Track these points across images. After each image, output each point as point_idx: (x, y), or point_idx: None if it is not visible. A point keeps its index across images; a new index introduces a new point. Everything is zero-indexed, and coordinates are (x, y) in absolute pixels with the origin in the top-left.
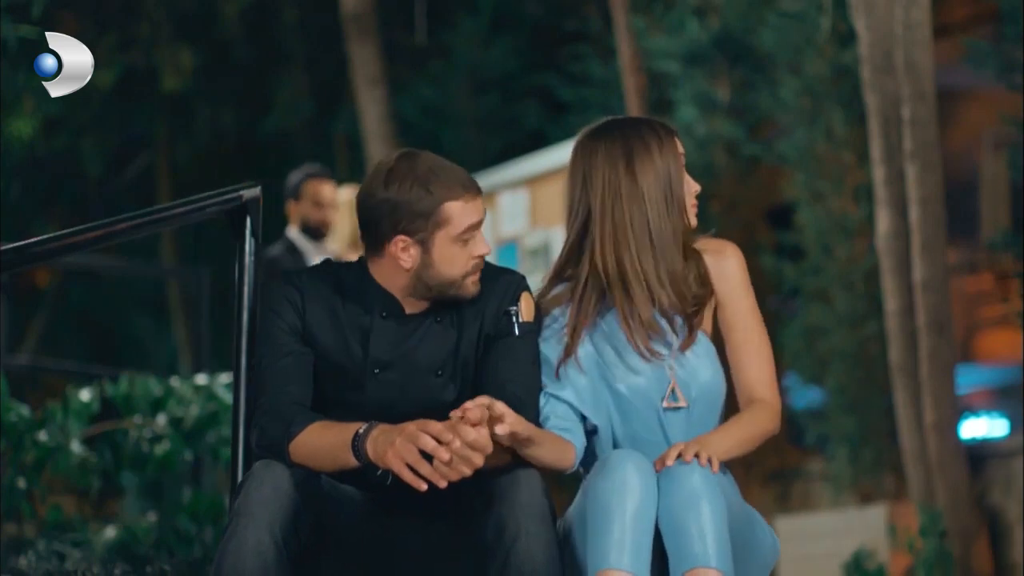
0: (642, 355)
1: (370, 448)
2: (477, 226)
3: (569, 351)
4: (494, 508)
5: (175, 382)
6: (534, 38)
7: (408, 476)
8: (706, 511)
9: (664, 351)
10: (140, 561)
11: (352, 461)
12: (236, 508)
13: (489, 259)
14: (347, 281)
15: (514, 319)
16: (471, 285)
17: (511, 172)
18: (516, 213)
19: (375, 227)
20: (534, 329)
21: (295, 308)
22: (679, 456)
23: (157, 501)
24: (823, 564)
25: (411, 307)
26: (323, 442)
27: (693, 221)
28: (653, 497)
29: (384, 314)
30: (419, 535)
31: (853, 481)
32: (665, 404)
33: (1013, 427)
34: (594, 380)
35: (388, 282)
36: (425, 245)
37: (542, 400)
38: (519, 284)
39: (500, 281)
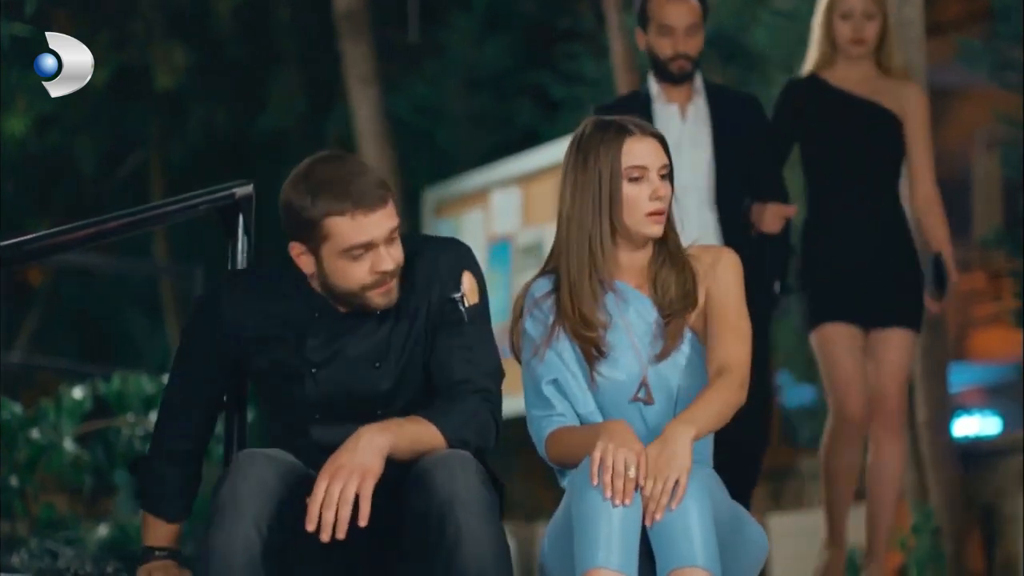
0: (595, 351)
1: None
2: (369, 245)
3: (550, 338)
4: (433, 506)
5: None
6: (527, 36)
7: None
8: (693, 510)
9: (643, 351)
10: (132, 559)
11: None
12: (220, 501)
13: (482, 256)
14: (285, 280)
15: (461, 306)
16: (378, 298)
17: (504, 170)
18: (509, 211)
19: (284, 229)
20: (483, 308)
21: (218, 326)
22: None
23: None
24: (816, 562)
25: (344, 306)
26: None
27: (651, 230)
28: (638, 493)
29: (318, 314)
30: (400, 529)
31: None
32: (632, 398)
33: (1006, 425)
34: (576, 374)
35: (314, 283)
36: (316, 255)
37: (549, 401)
38: (459, 263)
39: (440, 263)
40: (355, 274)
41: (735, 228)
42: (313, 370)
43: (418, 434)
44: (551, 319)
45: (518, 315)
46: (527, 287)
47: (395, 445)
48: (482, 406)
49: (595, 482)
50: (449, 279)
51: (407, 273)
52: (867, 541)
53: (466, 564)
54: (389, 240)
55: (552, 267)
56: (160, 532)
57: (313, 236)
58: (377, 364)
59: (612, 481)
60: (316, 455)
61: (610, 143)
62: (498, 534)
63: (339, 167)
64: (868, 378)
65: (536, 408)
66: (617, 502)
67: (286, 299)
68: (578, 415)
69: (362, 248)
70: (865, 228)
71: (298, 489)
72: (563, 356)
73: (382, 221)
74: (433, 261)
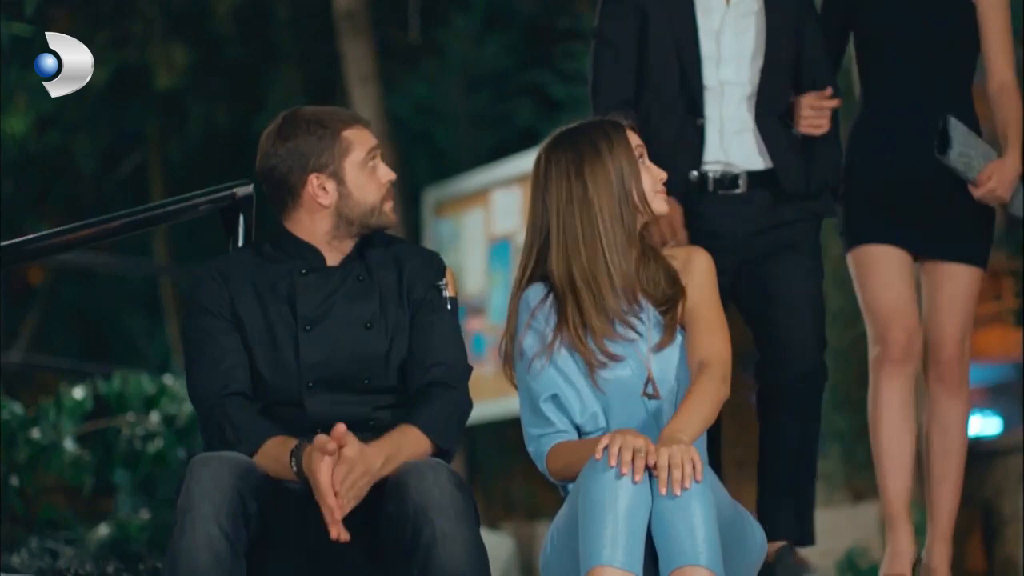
0: (596, 360)
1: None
2: (377, 149)
3: (550, 351)
4: (407, 511)
5: (168, 380)
6: (527, 35)
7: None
8: (696, 510)
9: (642, 346)
10: (133, 559)
11: (297, 479)
12: (180, 506)
13: (482, 256)
14: (266, 249)
15: (444, 294)
16: (390, 211)
17: (504, 170)
18: (509, 211)
19: (285, 181)
20: (456, 305)
21: (221, 296)
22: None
23: (150, 499)
24: (816, 562)
25: (333, 257)
26: (272, 466)
27: (663, 207)
28: (646, 493)
29: (304, 271)
30: (361, 528)
31: (846, 479)
32: (642, 393)
33: (1006, 425)
34: (576, 382)
35: (308, 233)
36: (338, 176)
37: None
38: (442, 262)
39: (422, 254)
40: (373, 184)
41: (773, 129)
42: (308, 327)
43: (413, 452)
44: (549, 330)
45: (514, 327)
46: (520, 294)
47: (389, 472)
48: (457, 409)
49: (612, 463)
50: (434, 269)
51: (393, 249)
52: (928, 523)
53: (442, 565)
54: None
55: (541, 273)
56: (277, 453)
57: (334, 156)
58: (369, 325)
59: (622, 456)
60: (307, 433)
61: (616, 133)
62: (473, 536)
63: (309, 108)
64: (922, 318)
65: (534, 427)
66: (638, 479)
67: (273, 259)
68: (577, 426)
69: (375, 152)
70: (928, 136)
71: (256, 485)
72: (563, 368)
73: (372, 135)
74: (419, 251)
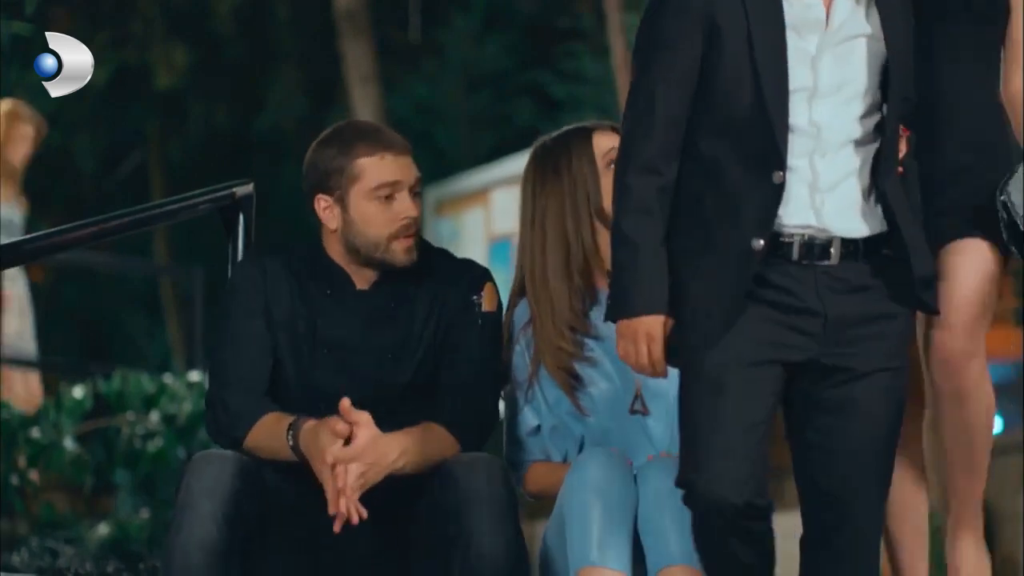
0: (570, 384)
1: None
2: (397, 185)
3: (531, 383)
4: (452, 500)
5: (168, 379)
6: (527, 35)
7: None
8: (684, 508)
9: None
10: (133, 558)
11: (293, 456)
12: (179, 502)
13: (483, 255)
14: (304, 259)
15: (477, 309)
16: (401, 251)
17: (504, 169)
18: (509, 210)
19: (309, 193)
20: (497, 319)
21: (258, 288)
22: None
23: (150, 498)
24: None
25: (361, 281)
26: (267, 442)
27: None
28: (630, 492)
29: (329, 291)
30: (367, 528)
31: None
32: (630, 410)
33: (1006, 425)
34: (558, 409)
35: (333, 251)
36: (343, 203)
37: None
38: (483, 275)
39: (462, 271)
40: (382, 219)
41: (894, 188)
42: (325, 351)
43: (435, 448)
44: (531, 354)
45: (507, 342)
46: (511, 313)
47: (407, 467)
48: (482, 411)
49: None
50: (471, 283)
51: (431, 271)
52: (948, 512)
53: (482, 557)
54: (413, 190)
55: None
56: (273, 429)
57: (342, 181)
58: (391, 355)
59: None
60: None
61: (579, 143)
62: (515, 532)
63: (359, 124)
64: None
65: (514, 453)
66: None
67: (308, 274)
68: (561, 454)
69: (390, 187)
70: (947, 120)
71: (256, 486)
72: (547, 394)
73: (409, 166)
74: (457, 268)
